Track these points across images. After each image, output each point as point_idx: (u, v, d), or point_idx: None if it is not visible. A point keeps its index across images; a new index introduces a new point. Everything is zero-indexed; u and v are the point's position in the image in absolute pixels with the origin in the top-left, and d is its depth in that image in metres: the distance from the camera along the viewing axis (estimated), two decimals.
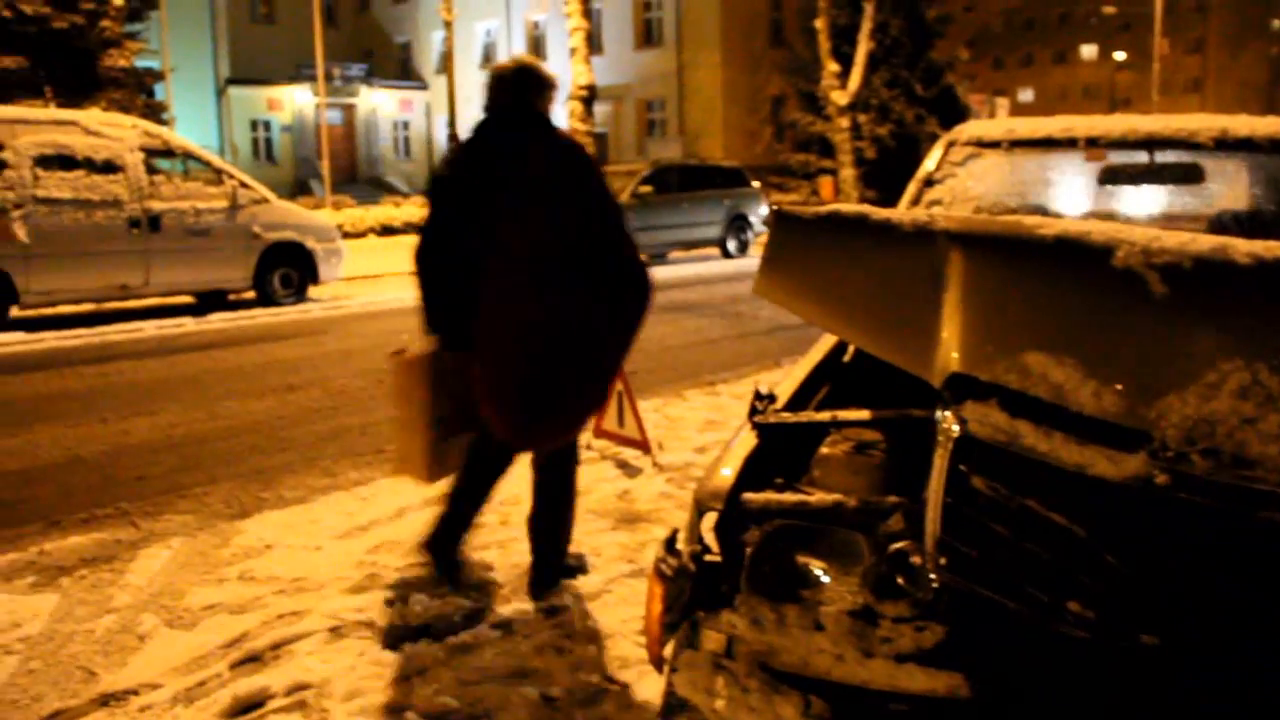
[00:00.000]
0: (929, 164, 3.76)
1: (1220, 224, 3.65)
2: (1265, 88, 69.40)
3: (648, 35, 40.71)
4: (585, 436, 5.91)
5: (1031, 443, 1.75)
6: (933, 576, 1.83)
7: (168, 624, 3.77)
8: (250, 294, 13.66)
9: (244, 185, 13.23)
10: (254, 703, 3.21)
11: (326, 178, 31.94)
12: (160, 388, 8.32)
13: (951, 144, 3.81)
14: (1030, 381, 1.75)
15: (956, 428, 1.82)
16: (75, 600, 4.01)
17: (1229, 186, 3.85)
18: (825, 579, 2.02)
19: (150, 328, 11.88)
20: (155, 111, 26.17)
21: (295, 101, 42.69)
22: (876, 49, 30.57)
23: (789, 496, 2.15)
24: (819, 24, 28.88)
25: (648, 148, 38.73)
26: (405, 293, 15.16)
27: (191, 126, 36.64)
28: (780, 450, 2.37)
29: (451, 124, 21.82)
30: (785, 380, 2.76)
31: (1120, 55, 64.27)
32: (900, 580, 1.88)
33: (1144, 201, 4.02)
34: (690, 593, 2.08)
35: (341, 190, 35.35)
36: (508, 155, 3.63)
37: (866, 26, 29.06)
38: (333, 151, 35.18)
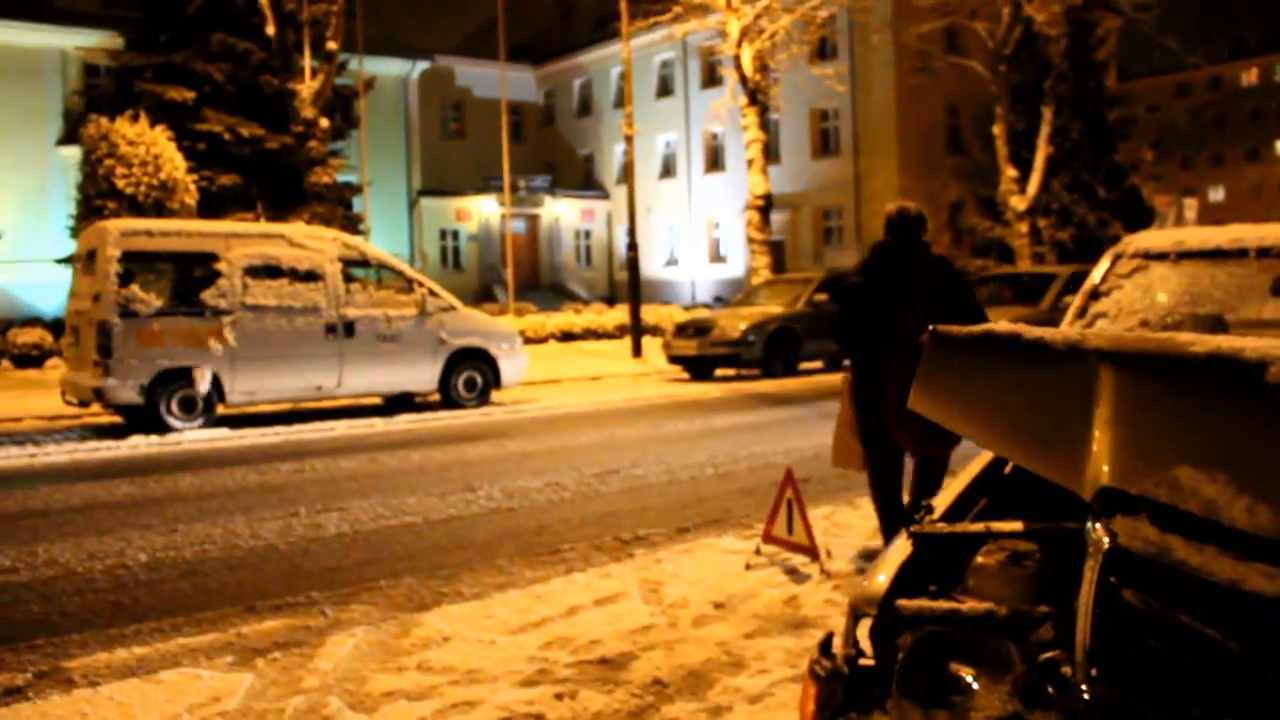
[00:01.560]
0: (1095, 277, 3.77)
1: None
2: None
3: (824, 144, 41.02)
4: (756, 543, 5.98)
5: (1183, 556, 1.76)
6: (1083, 687, 1.85)
7: (351, 707, 3.98)
8: (435, 396, 14.25)
9: (433, 293, 13.90)
10: None
11: (510, 284, 33.17)
12: (350, 484, 8.77)
13: (1118, 257, 3.80)
14: (1180, 496, 1.77)
15: (1107, 540, 1.85)
16: (268, 680, 4.28)
17: None
18: (975, 686, 2.05)
19: (341, 427, 12.53)
20: (353, 223, 27.68)
21: (482, 211, 44.57)
22: (1056, 152, 30.15)
23: (942, 604, 2.20)
24: (997, 130, 28.72)
25: (825, 255, 38.75)
26: (585, 398, 15.54)
27: (385, 236, 38.57)
28: (937, 559, 2.42)
29: (631, 232, 22.34)
30: (944, 492, 2.81)
31: None
32: (1050, 689, 1.90)
33: None
34: (843, 695, 2.14)
35: (524, 297, 36.53)
36: (906, 268, 5.47)
37: (1045, 131, 28.75)
38: (516, 259, 36.47)
